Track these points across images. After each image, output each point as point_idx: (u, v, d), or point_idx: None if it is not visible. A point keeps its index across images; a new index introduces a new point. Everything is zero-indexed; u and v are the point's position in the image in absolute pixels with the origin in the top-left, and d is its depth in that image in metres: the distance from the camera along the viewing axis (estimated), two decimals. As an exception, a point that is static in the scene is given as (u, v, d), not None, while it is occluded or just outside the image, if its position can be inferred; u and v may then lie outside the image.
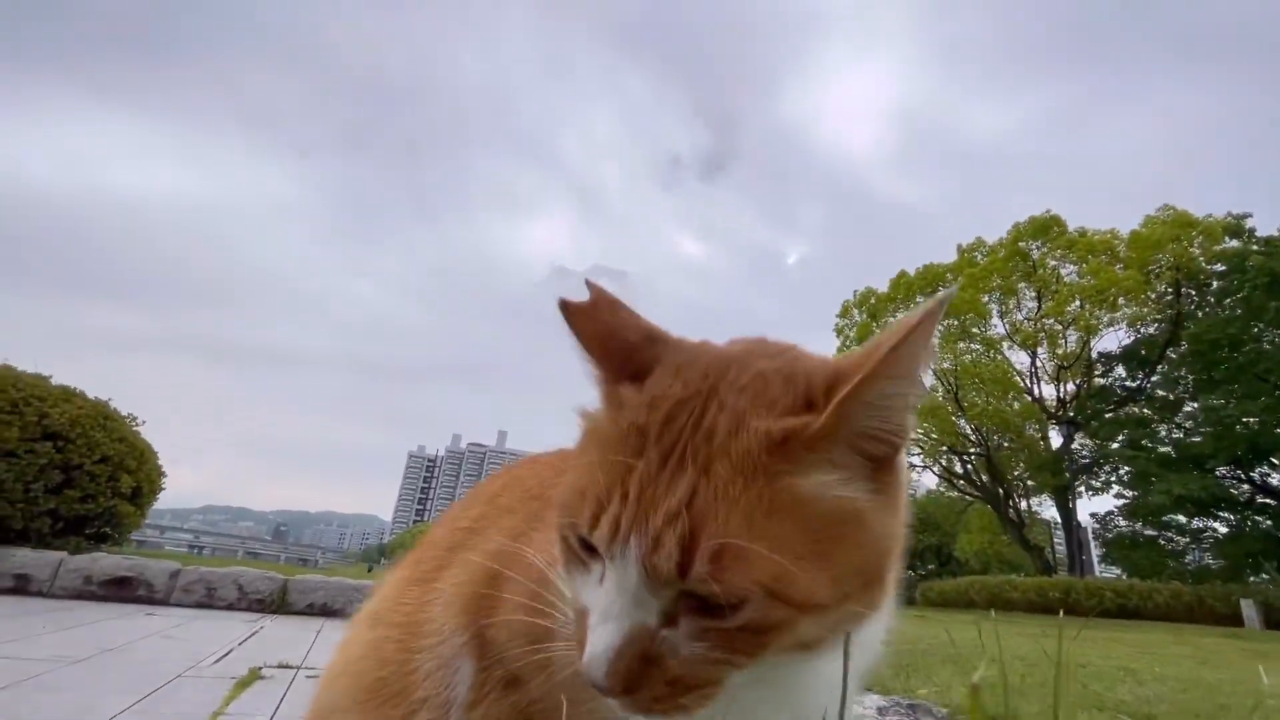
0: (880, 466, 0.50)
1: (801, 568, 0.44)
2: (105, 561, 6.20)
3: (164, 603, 6.22)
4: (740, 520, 0.44)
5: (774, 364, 0.53)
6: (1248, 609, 12.74)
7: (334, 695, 0.72)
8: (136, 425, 8.34)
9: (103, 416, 7.42)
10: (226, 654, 4.13)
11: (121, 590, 6.04)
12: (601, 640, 0.45)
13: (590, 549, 0.48)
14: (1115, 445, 21.66)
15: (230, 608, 6.42)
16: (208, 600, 6.43)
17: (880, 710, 2.18)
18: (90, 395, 7.68)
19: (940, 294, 0.48)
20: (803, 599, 0.44)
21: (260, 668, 3.69)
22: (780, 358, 0.54)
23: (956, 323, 25.27)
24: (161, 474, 8.49)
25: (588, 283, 0.58)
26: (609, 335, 0.56)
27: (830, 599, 0.46)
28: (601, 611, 0.46)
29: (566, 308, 0.56)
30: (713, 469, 0.45)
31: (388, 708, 0.64)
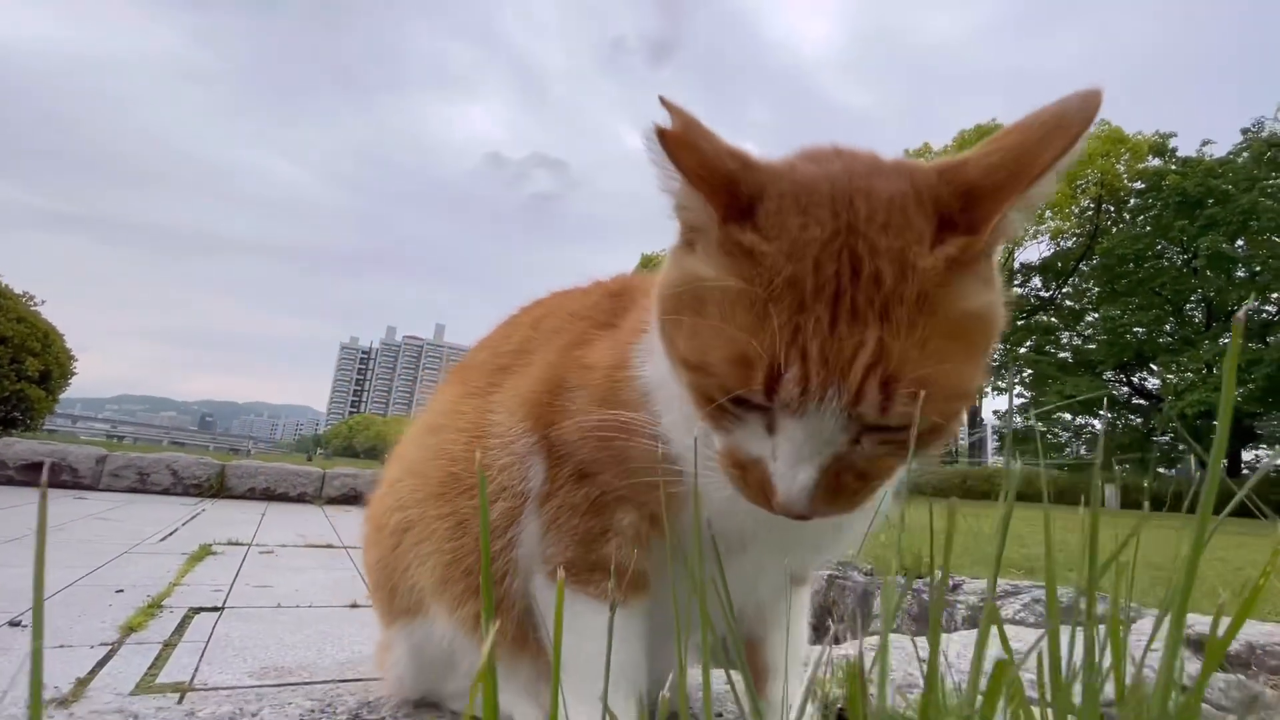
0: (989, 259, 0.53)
1: (966, 375, 0.50)
2: (20, 446, 5.89)
3: (92, 488, 6.04)
4: (925, 355, 0.47)
5: (892, 185, 0.51)
6: (1109, 492, 14.85)
7: (399, 496, 0.77)
8: (35, 305, 7.64)
9: (-6, 294, 6.74)
10: (171, 533, 4.13)
11: (42, 475, 5.80)
12: (800, 480, 0.50)
13: (749, 406, 0.50)
14: (1022, 350, 23.51)
15: (165, 492, 6.33)
16: (140, 485, 6.29)
17: (808, 568, 2.44)
18: (-26, 270, 6.91)
19: (1088, 94, 0.48)
20: (969, 402, 0.51)
21: (210, 544, 3.72)
22: (890, 175, 0.52)
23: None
24: (71, 358, 7.95)
25: (663, 100, 0.51)
26: (710, 167, 0.51)
27: (975, 394, 0.52)
28: (790, 456, 0.50)
29: (666, 136, 0.50)
30: (892, 314, 0.47)
31: (464, 498, 0.70)
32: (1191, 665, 0.82)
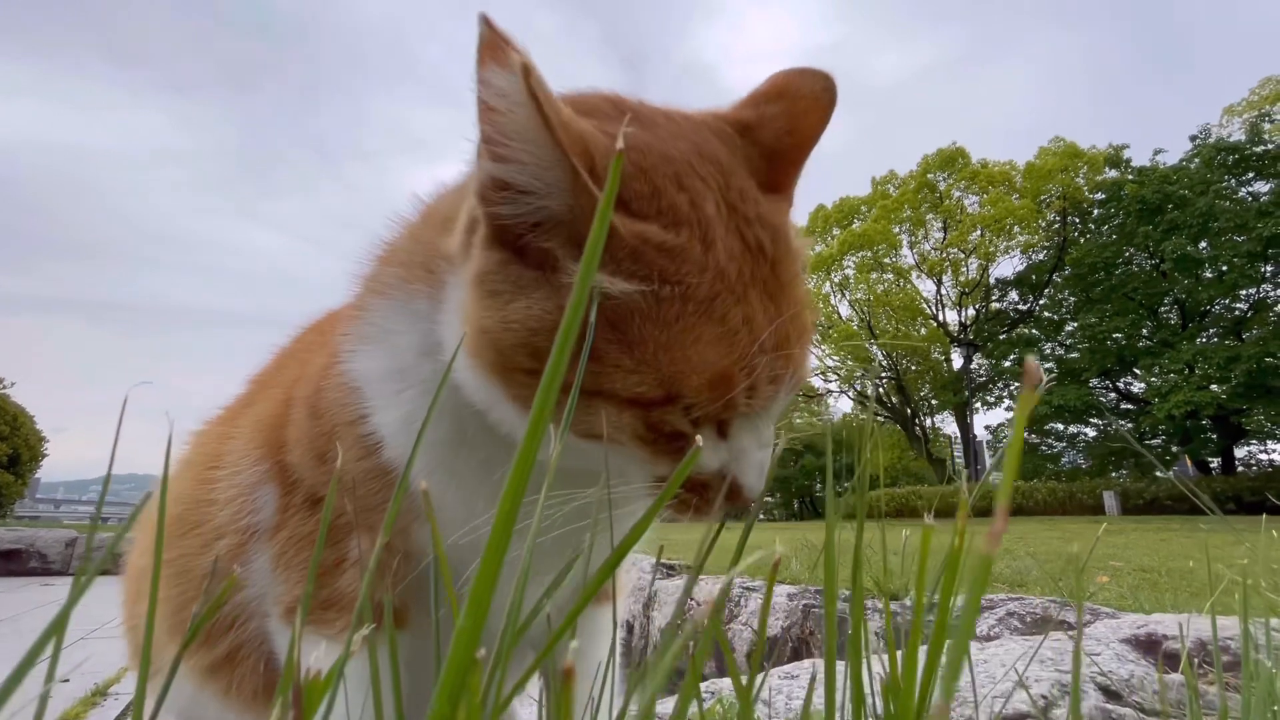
0: None
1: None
2: (-16, 535, 5.69)
3: (62, 573, 5.81)
4: (807, 309, 0.48)
5: (721, 150, 0.48)
6: (1109, 499, 14.68)
7: (138, 548, 0.73)
8: (4, 388, 7.52)
9: (-41, 380, 6.62)
10: (136, 615, 3.95)
11: (10, 563, 5.59)
12: (761, 469, 0.46)
13: (708, 420, 0.44)
14: (1007, 364, 23.72)
15: (139, 572, 6.11)
16: (114, 567, 6.06)
17: (790, 596, 2.35)
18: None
19: (823, 75, 0.54)
20: None
21: (175, 624, 3.56)
22: (709, 137, 0.49)
23: (870, 254, 26.34)
24: (42, 439, 7.77)
25: (485, 20, 0.37)
26: (569, 125, 0.40)
27: None
28: (751, 451, 0.46)
29: (530, 72, 0.36)
30: (784, 280, 0.46)
31: (186, 540, 0.63)
32: (1130, 667, 0.77)
